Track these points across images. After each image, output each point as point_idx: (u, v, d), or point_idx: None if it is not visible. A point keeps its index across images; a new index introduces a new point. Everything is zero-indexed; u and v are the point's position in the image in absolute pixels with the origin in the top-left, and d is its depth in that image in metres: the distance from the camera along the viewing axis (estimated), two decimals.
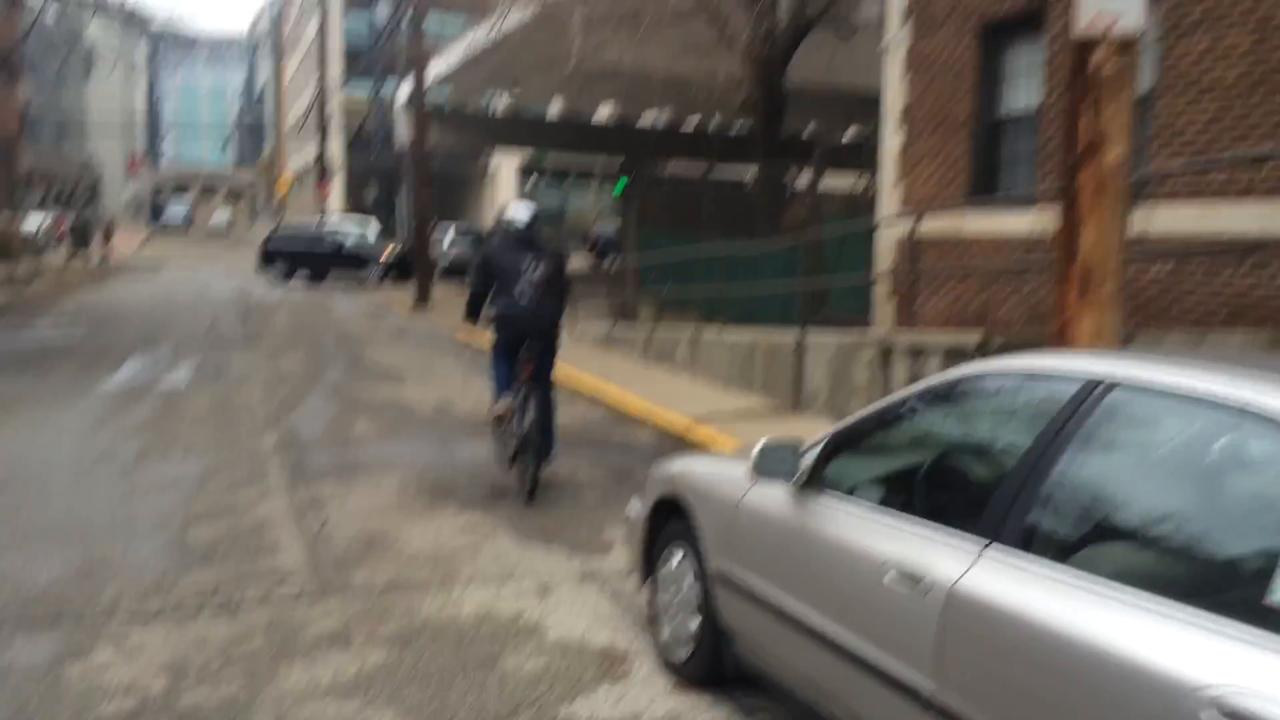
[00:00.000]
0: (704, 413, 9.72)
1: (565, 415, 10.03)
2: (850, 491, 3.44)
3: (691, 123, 39.52)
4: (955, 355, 8.07)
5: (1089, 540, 2.63)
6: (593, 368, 12.69)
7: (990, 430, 3.29)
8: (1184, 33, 7.68)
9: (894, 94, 10.87)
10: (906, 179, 10.77)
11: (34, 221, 39.01)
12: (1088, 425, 2.71)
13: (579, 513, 6.58)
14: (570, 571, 5.42)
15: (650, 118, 41.72)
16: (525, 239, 7.11)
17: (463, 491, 7.00)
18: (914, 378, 8.46)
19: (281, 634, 4.47)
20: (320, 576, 5.22)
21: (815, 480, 3.55)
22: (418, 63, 22.42)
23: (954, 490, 3.24)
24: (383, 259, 31.64)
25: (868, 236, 11.40)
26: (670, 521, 4.44)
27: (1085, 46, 5.07)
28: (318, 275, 29.97)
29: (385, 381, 11.85)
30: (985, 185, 9.87)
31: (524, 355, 6.97)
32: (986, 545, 2.74)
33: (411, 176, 23.69)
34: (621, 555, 5.52)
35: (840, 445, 3.59)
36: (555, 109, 43.59)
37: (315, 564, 5.40)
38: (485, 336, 7.58)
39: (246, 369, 12.36)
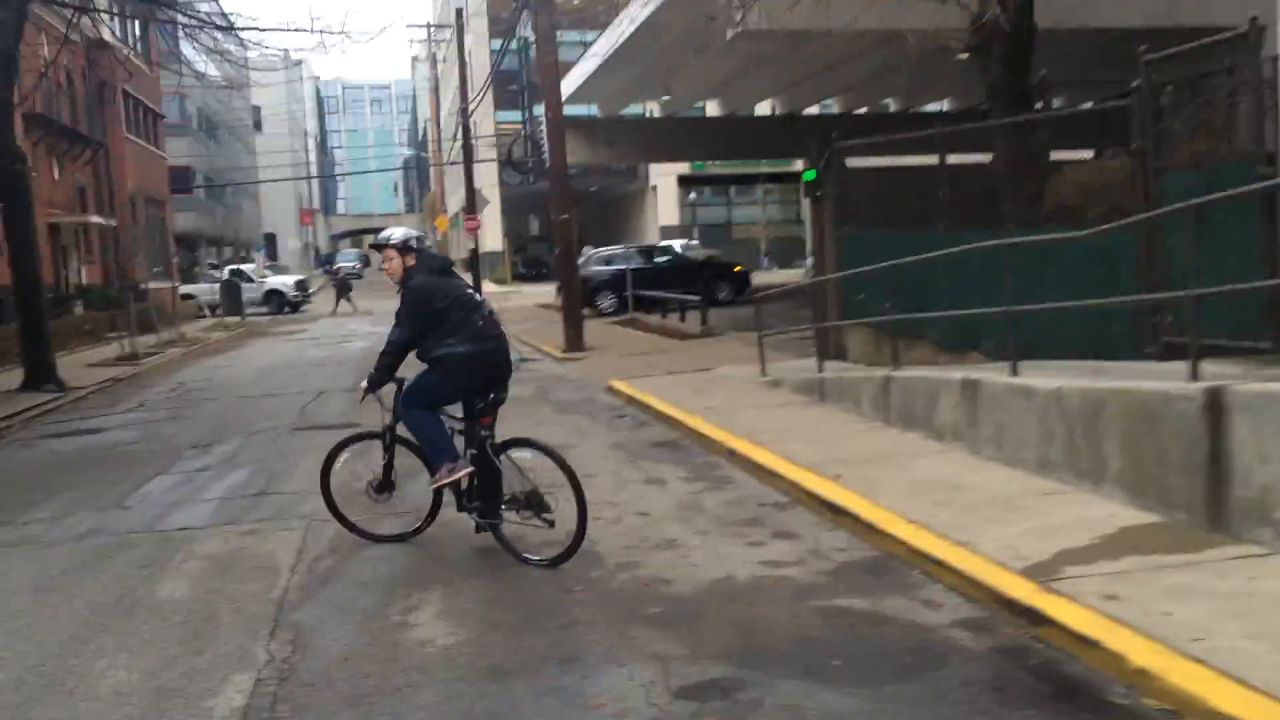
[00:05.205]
0: (1048, 549, 5.28)
1: (782, 549, 5.38)
2: None
3: (878, 105, 35.06)
4: None
5: None
6: (806, 441, 8.39)
7: None
8: None
9: None
10: None
11: (282, 281, 39.64)
12: None
13: None
14: None
15: (819, 109, 37.18)
16: None
17: None
18: None
19: None
20: None
21: None
22: (548, 73, 18.68)
23: None
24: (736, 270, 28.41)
25: (1266, 206, 6.78)
26: None
27: None
28: (661, 300, 23.36)
29: None
30: None
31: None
32: None
33: (553, 196, 20.06)
34: None
35: None
36: (711, 112, 39.63)
37: None
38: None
39: (308, 479, 8.42)
